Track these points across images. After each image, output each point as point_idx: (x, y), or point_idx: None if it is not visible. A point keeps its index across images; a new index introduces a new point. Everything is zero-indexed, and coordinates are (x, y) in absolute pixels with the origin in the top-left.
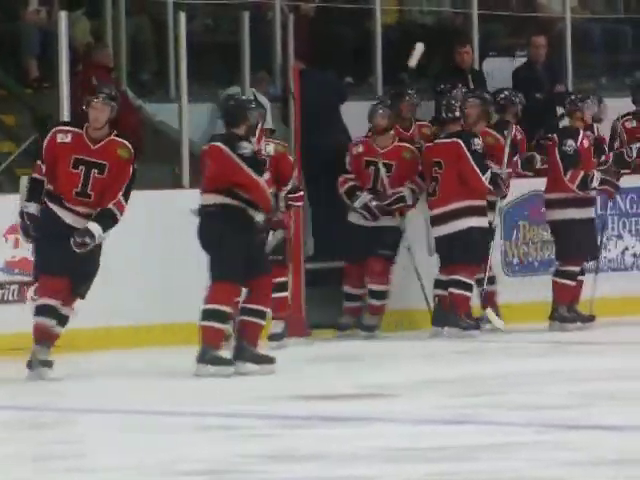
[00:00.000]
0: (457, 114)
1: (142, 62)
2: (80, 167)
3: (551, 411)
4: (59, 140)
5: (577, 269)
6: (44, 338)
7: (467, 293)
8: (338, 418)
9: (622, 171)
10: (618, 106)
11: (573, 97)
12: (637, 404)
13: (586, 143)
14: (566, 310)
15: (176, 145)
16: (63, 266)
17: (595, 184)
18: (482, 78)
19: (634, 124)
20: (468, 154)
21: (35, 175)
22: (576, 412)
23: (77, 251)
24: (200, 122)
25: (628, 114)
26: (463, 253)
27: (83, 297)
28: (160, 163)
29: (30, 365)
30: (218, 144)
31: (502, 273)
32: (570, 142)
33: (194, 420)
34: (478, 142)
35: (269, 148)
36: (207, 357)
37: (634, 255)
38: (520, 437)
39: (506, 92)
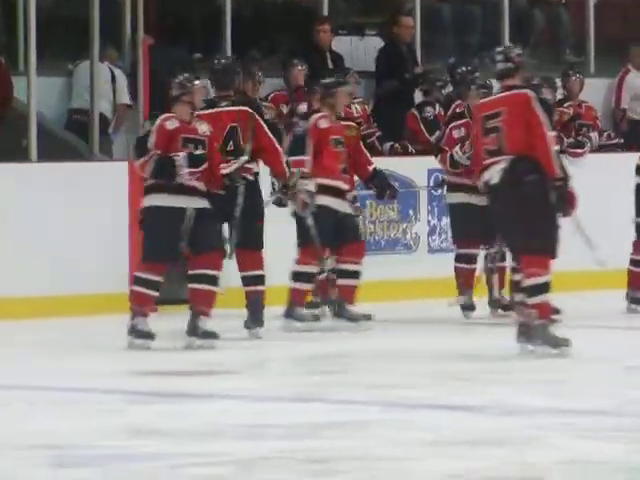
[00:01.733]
0: None
1: None
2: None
3: (397, 390)
4: None
5: (469, 252)
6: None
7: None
8: (183, 394)
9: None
10: None
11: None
12: (484, 385)
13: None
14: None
15: (25, 119)
16: None
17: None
18: (340, 57)
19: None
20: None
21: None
22: (423, 392)
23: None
24: (49, 96)
25: None
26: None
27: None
28: (9, 137)
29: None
30: None
31: None
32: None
33: (38, 394)
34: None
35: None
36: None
37: None
38: (365, 416)
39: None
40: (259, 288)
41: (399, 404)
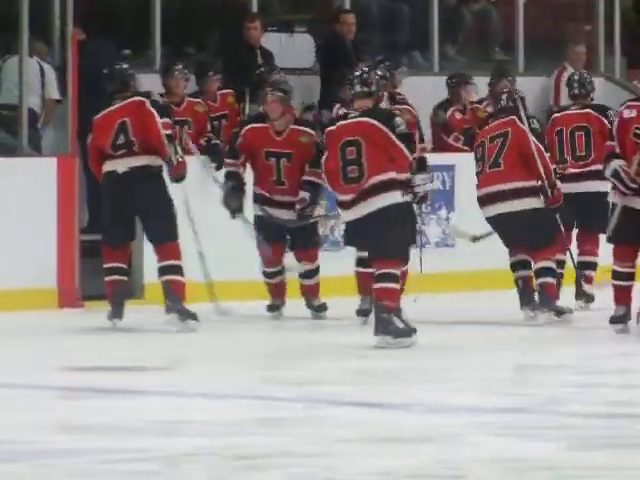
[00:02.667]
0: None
1: None
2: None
3: (323, 387)
4: None
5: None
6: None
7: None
8: (112, 390)
9: None
10: None
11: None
12: (408, 383)
13: None
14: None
15: None
16: None
17: None
18: (270, 54)
19: None
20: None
21: None
22: (348, 389)
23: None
24: None
25: None
26: None
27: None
28: None
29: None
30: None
31: None
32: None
33: None
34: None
35: None
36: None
37: None
38: (291, 412)
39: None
40: (172, 278)
41: (325, 401)
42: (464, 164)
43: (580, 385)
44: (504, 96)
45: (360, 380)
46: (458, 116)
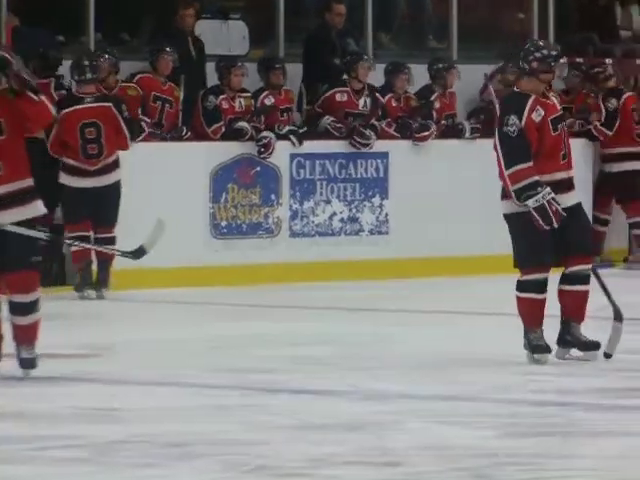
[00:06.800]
0: None
1: None
2: None
3: (257, 375)
4: None
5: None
6: None
7: None
8: (39, 377)
9: None
10: None
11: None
12: (342, 370)
13: None
14: None
15: None
16: None
17: None
18: (200, 41)
19: None
20: None
21: None
22: (282, 376)
23: None
24: None
25: None
26: None
27: None
28: None
29: None
30: None
31: (210, 235)
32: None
33: None
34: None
35: None
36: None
37: (342, 220)
38: (225, 400)
39: None
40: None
41: (259, 388)
42: (398, 151)
43: (513, 373)
44: None
45: (294, 368)
46: (394, 103)
